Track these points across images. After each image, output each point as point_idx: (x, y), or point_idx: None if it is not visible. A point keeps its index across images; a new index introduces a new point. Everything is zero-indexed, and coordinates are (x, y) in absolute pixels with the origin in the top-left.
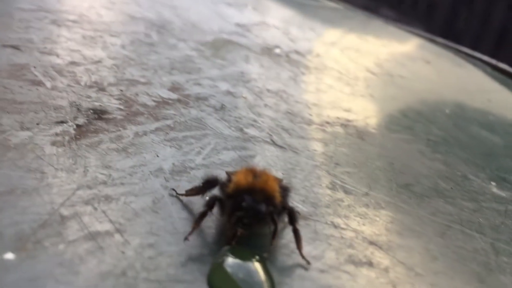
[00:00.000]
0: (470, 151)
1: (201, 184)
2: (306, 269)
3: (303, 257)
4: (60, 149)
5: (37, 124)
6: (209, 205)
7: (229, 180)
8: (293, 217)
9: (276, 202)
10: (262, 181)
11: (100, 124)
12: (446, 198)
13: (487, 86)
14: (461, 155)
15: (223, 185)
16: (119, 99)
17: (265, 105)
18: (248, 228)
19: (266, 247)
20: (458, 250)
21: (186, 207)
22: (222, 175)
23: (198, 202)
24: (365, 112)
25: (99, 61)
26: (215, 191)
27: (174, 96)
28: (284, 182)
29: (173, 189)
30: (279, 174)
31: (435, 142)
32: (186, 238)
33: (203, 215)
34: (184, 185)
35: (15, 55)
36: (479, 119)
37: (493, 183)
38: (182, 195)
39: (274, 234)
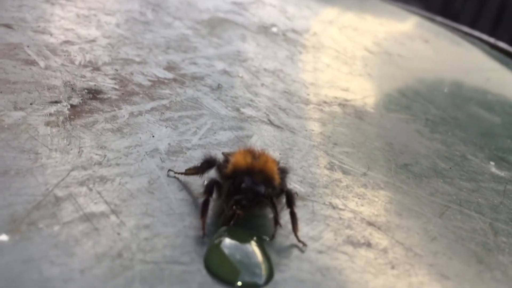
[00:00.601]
0: (469, 131)
1: (199, 164)
2: (303, 250)
3: (298, 239)
4: (54, 130)
5: (31, 104)
6: (209, 191)
7: (226, 161)
8: (291, 200)
9: (275, 184)
10: (261, 162)
11: (95, 104)
12: (445, 178)
13: (486, 65)
14: (460, 134)
15: (220, 166)
16: (114, 78)
17: (262, 85)
18: (247, 209)
19: (266, 231)
20: (457, 230)
21: (182, 187)
22: (219, 156)
23: (194, 183)
24: (363, 92)
25: (93, 40)
26: (212, 173)
27: (169, 75)
28: (283, 163)
29: (171, 170)
30: (276, 155)
31: (434, 121)
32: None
33: (205, 203)
34: (180, 166)
35: (8, 34)
36: (478, 98)
37: (492, 163)
38: (180, 173)
39: (276, 221)
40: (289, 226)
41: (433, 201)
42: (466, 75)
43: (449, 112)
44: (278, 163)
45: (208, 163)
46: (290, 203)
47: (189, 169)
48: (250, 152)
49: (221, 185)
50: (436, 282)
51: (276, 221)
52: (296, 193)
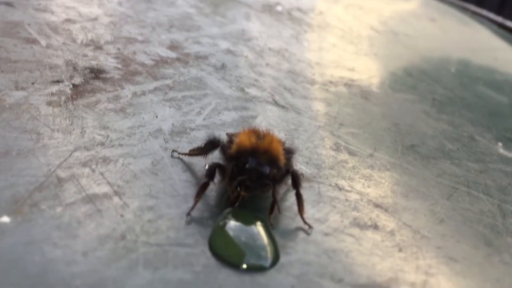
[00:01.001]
0: (476, 111)
1: (203, 145)
2: (309, 232)
3: (304, 221)
4: (56, 109)
5: (32, 83)
6: (210, 175)
7: (230, 141)
8: (296, 181)
9: (280, 164)
10: (266, 142)
11: (97, 83)
12: (452, 159)
13: (493, 44)
14: (467, 115)
15: (224, 147)
16: (116, 57)
17: (267, 64)
18: (251, 191)
19: (266, 217)
20: (465, 212)
21: (186, 168)
22: (223, 136)
23: (198, 164)
24: (369, 72)
25: (95, 19)
26: (216, 153)
27: (173, 54)
28: (288, 144)
29: (174, 150)
30: (281, 135)
31: (441, 102)
32: (188, 214)
33: (204, 186)
34: (184, 146)
35: (8, 12)
36: (485, 78)
37: (500, 144)
38: (184, 154)
39: (272, 208)
40: (295, 208)
41: (441, 182)
42: (473, 55)
43: (456, 92)
44: (283, 143)
45: (212, 144)
46: (296, 185)
47: (193, 149)
48: (255, 132)
49: (224, 168)
50: (444, 265)
51: (272, 208)
52: (302, 174)
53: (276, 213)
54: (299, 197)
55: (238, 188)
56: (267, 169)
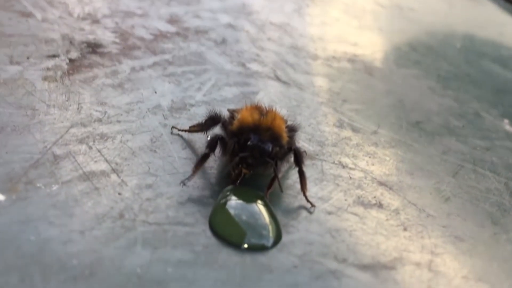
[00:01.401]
0: (482, 87)
1: (203, 121)
2: (312, 211)
3: (307, 200)
4: (52, 85)
5: (28, 58)
6: (211, 147)
7: (232, 117)
8: (299, 158)
9: (282, 142)
10: (268, 119)
11: (95, 58)
12: (458, 136)
13: (499, 19)
14: (473, 91)
15: (225, 123)
16: (114, 32)
17: (268, 39)
18: (253, 168)
19: (273, 191)
20: (471, 190)
21: (186, 145)
22: (224, 112)
23: (198, 141)
24: (373, 47)
25: None
26: (217, 129)
27: (172, 29)
28: (290, 121)
29: (174, 127)
30: (283, 112)
31: (446, 77)
32: (183, 183)
33: (204, 157)
34: (183, 123)
35: None
36: (491, 53)
37: (506, 121)
38: (184, 131)
39: (271, 183)
40: (297, 186)
41: (446, 160)
42: (479, 30)
43: (462, 68)
44: (286, 120)
45: (212, 120)
46: (299, 162)
47: (193, 126)
48: (258, 109)
49: (226, 142)
50: (450, 244)
51: (271, 183)
52: (305, 151)
53: (275, 189)
54: (301, 174)
55: (240, 166)
56: (269, 147)
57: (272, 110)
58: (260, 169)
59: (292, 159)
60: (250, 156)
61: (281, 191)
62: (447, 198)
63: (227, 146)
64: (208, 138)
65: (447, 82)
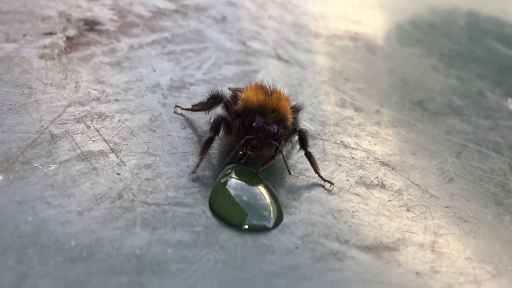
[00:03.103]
0: (486, 66)
1: (205, 100)
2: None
3: (324, 179)
4: (49, 63)
5: (24, 35)
6: (215, 129)
7: (234, 97)
8: (304, 141)
9: (288, 124)
10: (274, 100)
11: (92, 36)
12: (461, 115)
13: None
14: (476, 70)
15: (227, 103)
16: (112, 9)
17: (269, 17)
18: (258, 150)
19: (276, 171)
20: (474, 171)
21: (185, 125)
22: (225, 91)
23: (198, 120)
24: (375, 25)
25: None
26: (218, 109)
27: (171, 6)
28: (293, 100)
29: (178, 106)
30: (284, 91)
31: (449, 56)
32: (193, 172)
33: (209, 141)
34: (183, 102)
35: None
36: (495, 31)
37: (510, 100)
38: (187, 109)
39: (268, 161)
40: (299, 166)
41: (449, 139)
42: (482, 7)
43: (465, 46)
44: (290, 101)
45: (215, 99)
46: (304, 144)
47: (195, 104)
48: (262, 89)
49: (229, 123)
50: (453, 225)
51: (268, 160)
52: (307, 131)
53: (276, 169)
54: (310, 156)
55: (245, 147)
56: (275, 129)
57: (277, 90)
58: (265, 150)
59: (294, 139)
60: (256, 138)
61: (289, 173)
62: (451, 179)
63: (232, 127)
64: (211, 120)
65: (450, 61)
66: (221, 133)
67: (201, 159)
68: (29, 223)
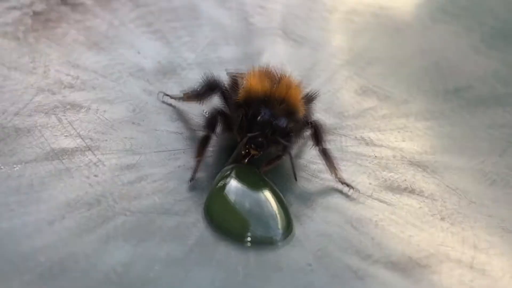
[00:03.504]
0: None
1: (200, 88)
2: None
3: (343, 182)
4: (13, 43)
5: None
6: (211, 126)
7: (235, 83)
8: (319, 136)
9: (298, 116)
10: (282, 88)
11: (64, 10)
12: (506, 106)
13: None
14: None
15: (226, 92)
16: None
17: None
18: (264, 149)
19: (284, 172)
20: None
21: (176, 117)
22: (223, 77)
23: (190, 111)
24: None
25: None
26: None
27: None
28: (306, 89)
29: (166, 94)
30: (294, 76)
31: (492, 35)
32: (192, 179)
33: (205, 140)
34: (172, 89)
35: None
36: None
37: None
38: (176, 98)
39: (274, 160)
40: (312, 166)
41: (492, 135)
42: None
43: (511, 24)
44: (302, 89)
45: (210, 87)
46: (320, 140)
47: (187, 93)
48: (268, 74)
49: (228, 116)
50: (497, 237)
51: (273, 160)
52: (323, 124)
53: (284, 170)
54: (326, 153)
55: (247, 146)
56: (284, 123)
57: (286, 75)
58: (272, 148)
59: (307, 133)
60: (261, 135)
61: (295, 179)
62: (493, 181)
63: (232, 121)
64: (205, 113)
65: (493, 41)
66: (218, 130)
67: (198, 162)
68: None
